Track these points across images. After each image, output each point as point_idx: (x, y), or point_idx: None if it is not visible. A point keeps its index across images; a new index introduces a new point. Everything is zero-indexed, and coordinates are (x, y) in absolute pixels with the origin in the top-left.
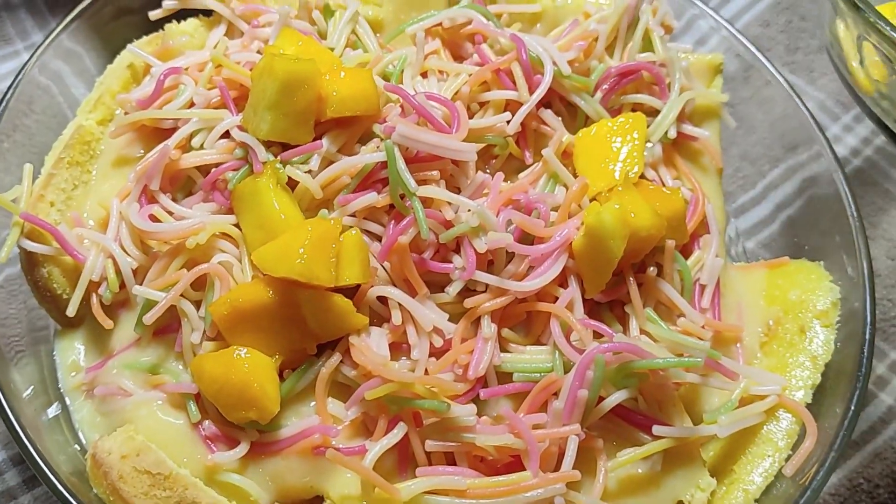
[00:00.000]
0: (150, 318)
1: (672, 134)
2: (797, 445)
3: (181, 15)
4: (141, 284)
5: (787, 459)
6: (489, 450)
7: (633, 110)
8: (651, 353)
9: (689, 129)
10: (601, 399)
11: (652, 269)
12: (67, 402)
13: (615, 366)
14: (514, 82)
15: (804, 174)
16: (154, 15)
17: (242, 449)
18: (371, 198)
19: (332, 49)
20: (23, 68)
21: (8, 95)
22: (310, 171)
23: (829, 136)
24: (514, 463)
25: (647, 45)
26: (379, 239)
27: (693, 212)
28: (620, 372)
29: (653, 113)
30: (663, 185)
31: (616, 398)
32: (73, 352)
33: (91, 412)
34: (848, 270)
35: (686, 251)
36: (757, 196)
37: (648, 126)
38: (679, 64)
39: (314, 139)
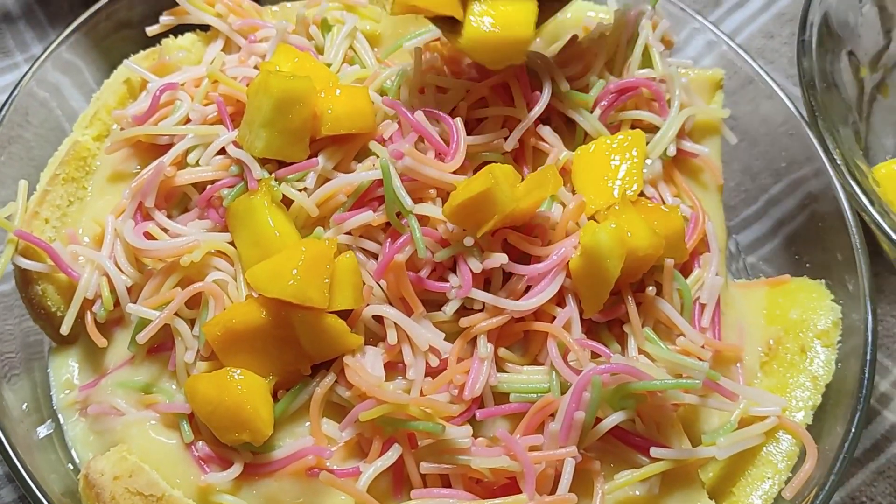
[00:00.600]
0: (143, 337)
1: (671, 151)
2: (797, 467)
3: (178, 29)
4: (135, 302)
5: (786, 481)
6: (485, 472)
7: (633, 127)
8: (648, 375)
9: (689, 145)
10: (598, 420)
11: (651, 288)
12: (61, 419)
13: (613, 387)
14: (511, 98)
15: (806, 189)
16: (151, 31)
17: (236, 470)
18: (367, 216)
19: (330, 65)
20: (21, 80)
21: (5, 108)
22: (305, 189)
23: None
24: (510, 485)
25: (647, 60)
26: (375, 257)
27: (693, 230)
28: (618, 393)
29: (653, 129)
30: (663, 202)
31: (613, 420)
32: (67, 369)
33: (84, 431)
34: (849, 287)
35: (686, 269)
36: (758, 211)
37: (647, 143)
38: (679, 80)
39: (310, 156)
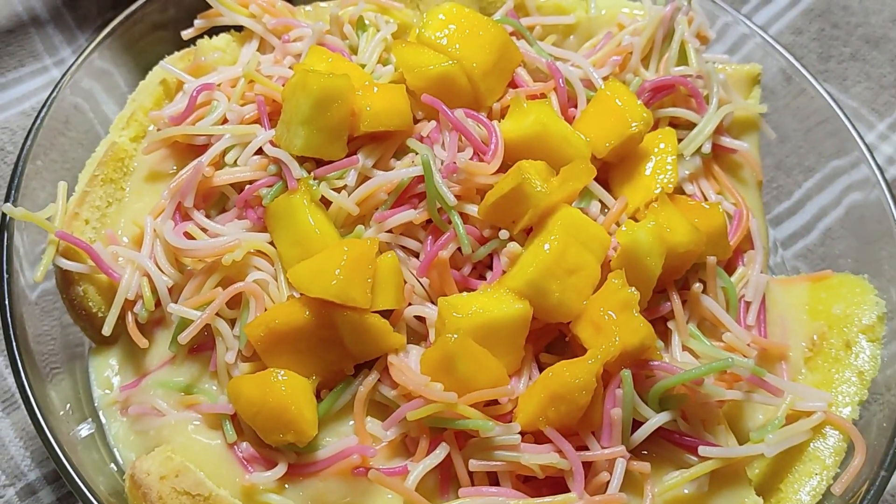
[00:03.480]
0: (185, 337)
1: (706, 149)
2: (845, 463)
3: (213, 30)
4: (176, 302)
5: (834, 477)
6: (534, 469)
7: (671, 124)
8: (680, 368)
9: (727, 141)
10: (637, 423)
11: (697, 285)
12: (102, 419)
13: (652, 388)
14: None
15: (843, 183)
16: (187, 35)
17: (280, 470)
18: (409, 214)
19: (364, 65)
20: (55, 88)
21: (42, 115)
22: (345, 187)
23: None
24: (557, 484)
25: (683, 57)
26: (416, 255)
27: (737, 227)
28: (657, 393)
29: (690, 126)
30: (704, 199)
31: (658, 420)
32: (107, 369)
33: (126, 430)
34: (893, 282)
35: (730, 267)
36: (792, 206)
37: (682, 140)
38: (716, 76)
39: (348, 155)
